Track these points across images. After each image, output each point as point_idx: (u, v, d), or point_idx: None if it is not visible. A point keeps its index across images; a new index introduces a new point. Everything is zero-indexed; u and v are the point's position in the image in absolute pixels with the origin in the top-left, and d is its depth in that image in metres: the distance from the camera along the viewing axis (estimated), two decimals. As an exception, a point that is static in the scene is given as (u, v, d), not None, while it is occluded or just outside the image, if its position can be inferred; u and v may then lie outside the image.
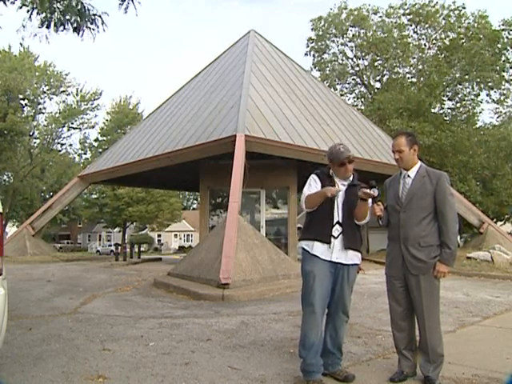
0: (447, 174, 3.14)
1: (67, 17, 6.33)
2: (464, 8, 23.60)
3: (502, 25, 22.83)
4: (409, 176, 3.13)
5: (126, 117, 37.74)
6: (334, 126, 13.89)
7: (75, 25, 6.35)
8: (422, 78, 24.25)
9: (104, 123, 38.65)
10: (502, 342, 4.23)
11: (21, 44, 31.25)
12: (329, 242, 3.13)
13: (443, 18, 24.13)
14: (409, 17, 24.55)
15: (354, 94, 28.32)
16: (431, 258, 3.00)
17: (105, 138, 37.20)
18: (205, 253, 8.42)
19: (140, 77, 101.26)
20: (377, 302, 6.12)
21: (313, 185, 3.25)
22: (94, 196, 40.55)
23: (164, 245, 50.84)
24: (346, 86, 27.97)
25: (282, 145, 11.47)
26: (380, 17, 25.74)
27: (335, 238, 3.14)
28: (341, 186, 3.20)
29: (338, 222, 3.17)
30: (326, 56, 27.25)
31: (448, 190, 3.05)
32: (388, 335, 4.21)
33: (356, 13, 25.49)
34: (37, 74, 33.44)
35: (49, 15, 6.31)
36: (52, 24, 6.33)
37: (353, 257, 3.18)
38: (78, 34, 6.43)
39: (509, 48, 23.09)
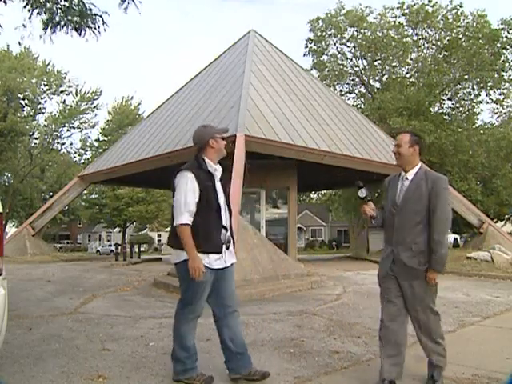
0: (446, 178, 3.02)
1: (68, 17, 6.34)
2: (461, 7, 23.59)
3: (501, 24, 22.81)
4: (407, 178, 3.02)
5: (127, 118, 37.74)
6: (334, 126, 13.89)
7: (76, 25, 6.35)
8: (421, 79, 24.24)
9: (105, 123, 38.68)
10: (502, 342, 4.23)
11: (19, 43, 31.12)
12: (221, 252, 3.06)
13: (441, 18, 24.12)
14: (407, 17, 24.54)
15: (353, 94, 28.35)
16: (422, 264, 2.92)
17: (105, 138, 37.19)
18: (205, 253, 8.41)
19: (140, 77, 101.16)
20: (377, 302, 6.06)
21: (191, 190, 2.94)
22: (93, 196, 40.54)
23: (164, 245, 50.81)
24: (346, 85, 27.99)
25: (281, 145, 11.46)
26: (375, 18, 25.77)
27: (227, 247, 3.09)
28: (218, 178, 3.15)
29: (224, 228, 3.08)
30: (324, 57, 27.27)
31: (443, 194, 2.93)
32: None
33: (353, 13, 25.49)
34: (36, 73, 33.38)
35: (50, 15, 6.31)
36: (53, 24, 6.33)
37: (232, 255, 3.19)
38: (80, 34, 6.44)
39: (508, 47, 23.06)
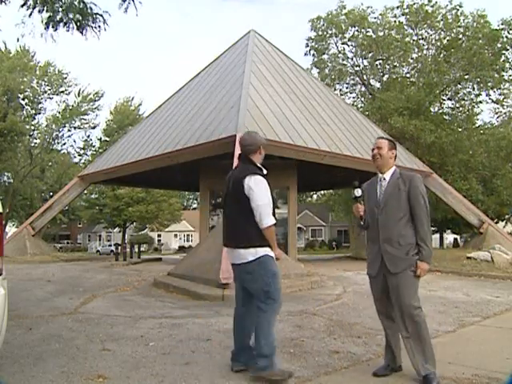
0: (420, 176, 3.28)
1: (70, 16, 6.34)
2: (461, 7, 23.59)
3: (501, 24, 22.81)
4: (384, 179, 3.24)
5: (127, 118, 37.71)
6: (334, 126, 13.89)
7: (78, 23, 6.36)
8: (421, 78, 24.25)
9: (106, 123, 38.68)
10: (502, 342, 4.23)
11: (18, 39, 31.12)
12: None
13: (441, 18, 24.11)
14: (407, 17, 24.54)
15: (354, 94, 28.36)
16: (409, 255, 3.09)
17: (107, 139, 37.15)
18: (205, 253, 8.42)
19: (141, 78, 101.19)
20: (377, 301, 6.11)
21: (270, 193, 3.20)
22: (93, 196, 40.51)
23: (164, 245, 50.81)
24: (346, 85, 28.00)
25: (281, 145, 11.46)
26: (376, 18, 25.76)
27: None
28: None
29: None
30: (325, 56, 27.27)
31: (420, 190, 3.15)
32: (388, 335, 4.21)
33: (355, 12, 25.48)
34: (37, 72, 33.36)
35: (51, 14, 6.32)
36: (54, 23, 6.34)
37: None
38: (82, 32, 6.44)
39: (508, 47, 23.06)
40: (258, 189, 3.12)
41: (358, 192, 3.29)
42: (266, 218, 3.09)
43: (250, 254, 3.15)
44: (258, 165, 3.29)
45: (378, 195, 3.23)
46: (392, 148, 3.29)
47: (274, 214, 3.18)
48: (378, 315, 3.35)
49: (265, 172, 3.28)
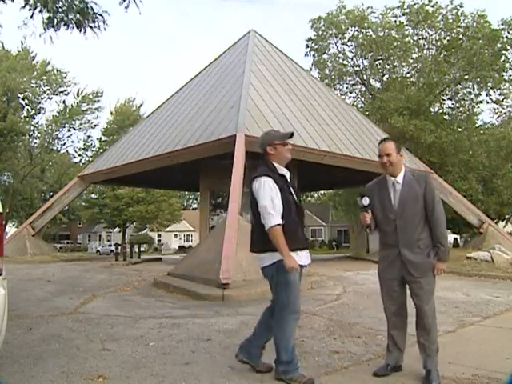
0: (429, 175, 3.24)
1: (70, 16, 6.35)
2: (461, 7, 23.58)
3: (502, 24, 22.80)
4: (398, 182, 3.13)
5: (128, 118, 37.71)
6: (334, 126, 13.89)
7: (77, 23, 6.37)
8: (421, 78, 24.24)
9: (107, 123, 38.68)
10: (502, 342, 4.23)
11: (22, 42, 31.28)
12: (308, 248, 3.20)
13: (442, 19, 24.10)
14: (408, 17, 24.52)
15: (354, 94, 28.34)
16: (430, 257, 3.09)
17: (107, 139, 37.14)
18: (205, 253, 8.42)
19: (140, 78, 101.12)
20: (377, 302, 6.06)
21: (275, 193, 3.02)
22: (93, 196, 40.52)
23: (164, 245, 50.80)
24: (346, 85, 27.98)
25: (282, 145, 11.44)
26: (376, 18, 25.74)
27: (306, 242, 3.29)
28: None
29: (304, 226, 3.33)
30: (325, 56, 27.27)
31: (434, 190, 3.12)
32: (388, 335, 4.21)
33: (355, 12, 25.47)
34: (36, 73, 33.35)
35: (51, 15, 6.32)
36: (55, 23, 6.34)
37: None
38: (81, 31, 6.45)
39: (508, 47, 23.05)
40: (260, 190, 3.05)
41: (365, 201, 3.17)
42: (267, 218, 2.96)
43: (266, 258, 3.07)
44: (275, 164, 3.18)
45: (392, 200, 3.13)
46: (399, 150, 3.17)
47: (283, 215, 2.99)
48: (386, 314, 3.30)
49: (282, 172, 3.18)
